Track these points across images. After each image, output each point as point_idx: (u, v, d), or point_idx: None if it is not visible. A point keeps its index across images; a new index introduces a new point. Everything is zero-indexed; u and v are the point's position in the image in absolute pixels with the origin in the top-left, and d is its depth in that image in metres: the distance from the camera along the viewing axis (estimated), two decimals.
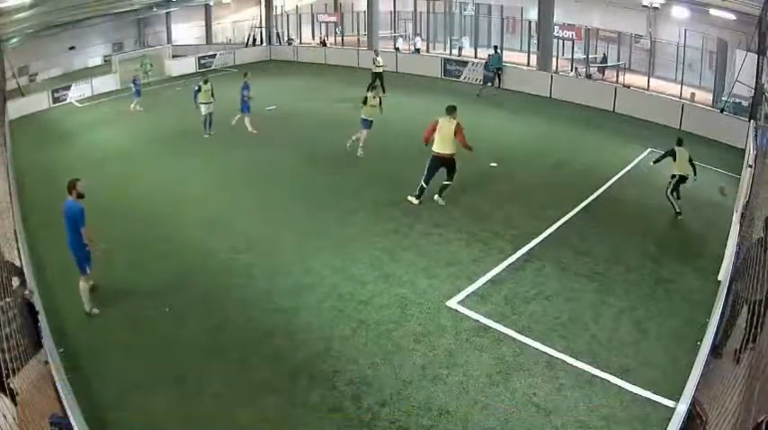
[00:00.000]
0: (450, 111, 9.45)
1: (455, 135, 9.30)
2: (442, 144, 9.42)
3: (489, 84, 19.64)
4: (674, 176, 9.61)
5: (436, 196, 9.92)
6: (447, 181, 9.77)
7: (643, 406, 5.31)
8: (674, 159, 9.58)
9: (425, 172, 9.70)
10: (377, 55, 19.93)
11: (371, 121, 12.55)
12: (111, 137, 16.15)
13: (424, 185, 9.73)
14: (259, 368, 5.98)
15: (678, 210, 9.62)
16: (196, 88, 14.90)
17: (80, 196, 6.72)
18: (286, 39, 33.36)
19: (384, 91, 18.83)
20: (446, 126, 9.35)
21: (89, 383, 5.73)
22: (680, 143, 9.79)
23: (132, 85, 19.36)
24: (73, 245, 6.80)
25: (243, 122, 15.16)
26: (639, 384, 5.57)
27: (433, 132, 9.47)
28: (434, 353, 6.14)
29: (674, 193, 9.64)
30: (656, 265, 7.99)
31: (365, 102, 12.42)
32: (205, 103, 14.85)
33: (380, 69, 19.44)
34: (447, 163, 9.56)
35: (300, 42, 33.06)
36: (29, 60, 27.70)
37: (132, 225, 9.62)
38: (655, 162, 10.04)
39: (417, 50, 28.69)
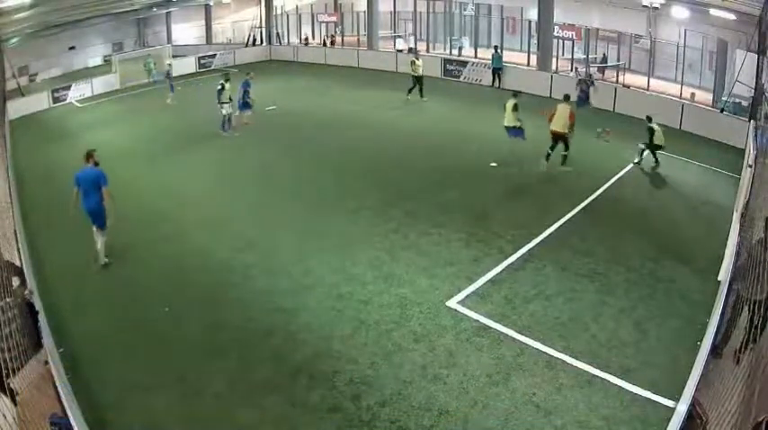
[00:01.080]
0: (567, 98, 11.79)
1: (569, 117, 11.35)
2: (556, 123, 11.45)
3: (586, 103, 17.83)
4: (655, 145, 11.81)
5: (561, 167, 11.58)
6: (564, 152, 11.61)
7: (643, 406, 5.31)
8: (653, 133, 11.68)
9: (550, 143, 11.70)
10: (417, 58, 19.14)
11: (514, 128, 12.03)
12: (111, 137, 16.13)
13: (549, 152, 11.66)
14: (259, 368, 5.99)
15: (637, 161, 12.10)
16: (219, 87, 14.74)
17: (96, 164, 7.79)
18: (303, 38, 33.43)
19: (422, 95, 18.32)
20: (562, 110, 11.46)
21: (89, 383, 5.74)
22: (650, 120, 11.86)
23: (166, 79, 19.78)
24: (96, 205, 7.74)
25: (241, 119, 15.40)
26: (639, 384, 5.57)
27: (553, 115, 11.51)
28: (434, 353, 6.14)
29: (644, 150, 11.96)
30: (656, 265, 7.98)
31: (515, 108, 11.95)
32: (227, 103, 14.83)
33: (420, 72, 18.55)
34: (560, 138, 11.53)
35: (301, 42, 33.06)
36: (29, 60, 27.72)
37: (132, 224, 9.59)
38: (648, 145, 11.88)
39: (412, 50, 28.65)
